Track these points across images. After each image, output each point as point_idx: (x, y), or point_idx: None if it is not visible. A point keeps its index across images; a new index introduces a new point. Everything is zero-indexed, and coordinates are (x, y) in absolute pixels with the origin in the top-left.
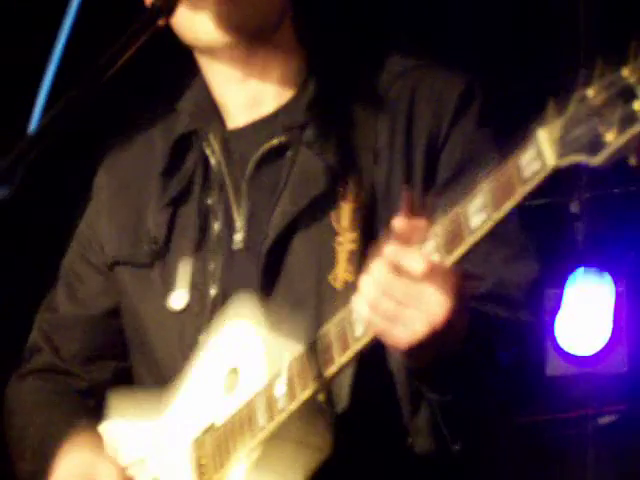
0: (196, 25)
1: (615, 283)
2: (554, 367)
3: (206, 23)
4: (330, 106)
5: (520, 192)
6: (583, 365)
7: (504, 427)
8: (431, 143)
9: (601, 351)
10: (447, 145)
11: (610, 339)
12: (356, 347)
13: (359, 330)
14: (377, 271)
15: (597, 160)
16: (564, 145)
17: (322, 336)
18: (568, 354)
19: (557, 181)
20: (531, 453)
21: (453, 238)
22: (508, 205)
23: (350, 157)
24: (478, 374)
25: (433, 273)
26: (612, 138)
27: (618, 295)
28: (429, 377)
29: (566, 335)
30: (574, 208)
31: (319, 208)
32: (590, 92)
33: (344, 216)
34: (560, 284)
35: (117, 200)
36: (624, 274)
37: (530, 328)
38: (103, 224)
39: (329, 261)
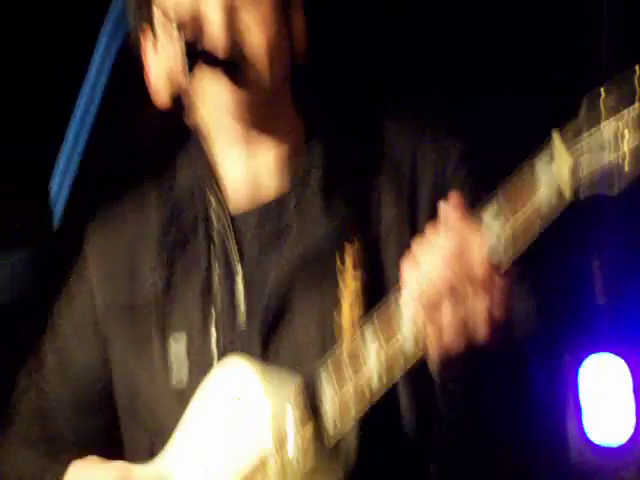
0: (211, 84)
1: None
2: (579, 456)
3: (221, 82)
4: (333, 158)
5: (536, 198)
6: (608, 456)
7: None
8: (434, 192)
9: (628, 442)
10: (450, 189)
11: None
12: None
13: (405, 313)
14: (440, 239)
15: (614, 191)
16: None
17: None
18: (593, 444)
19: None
20: None
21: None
22: (525, 210)
23: (354, 204)
24: (509, 384)
25: (490, 282)
26: (628, 168)
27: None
28: (460, 382)
29: (589, 424)
30: (600, 300)
31: (322, 250)
32: (602, 124)
33: (348, 258)
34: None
35: (109, 252)
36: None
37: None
38: (94, 275)
39: (334, 301)
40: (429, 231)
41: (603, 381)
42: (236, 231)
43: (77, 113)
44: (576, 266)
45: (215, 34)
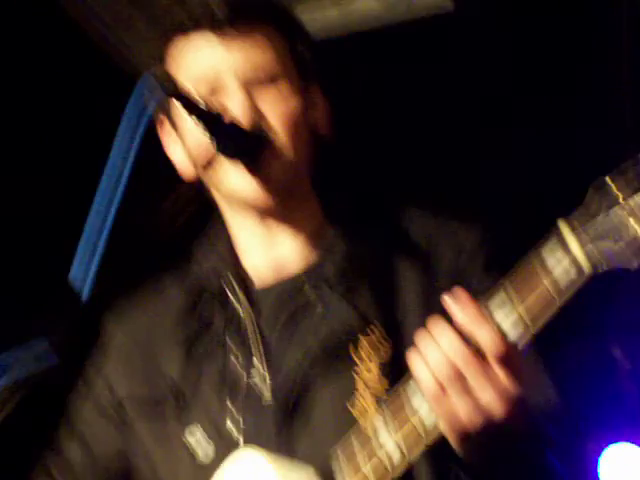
0: (231, 177)
1: None
2: None
3: (242, 175)
4: (352, 252)
5: (544, 283)
6: None
7: None
8: (450, 280)
9: None
10: (465, 281)
11: None
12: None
13: (417, 402)
14: (445, 337)
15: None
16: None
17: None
18: None
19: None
20: None
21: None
22: (533, 298)
23: (370, 294)
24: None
25: (507, 357)
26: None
27: None
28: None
29: None
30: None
31: (339, 343)
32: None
33: (363, 349)
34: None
35: (126, 343)
36: None
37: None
38: (111, 366)
39: (348, 391)
40: (434, 323)
41: (623, 470)
42: (256, 314)
43: (98, 199)
44: (594, 351)
45: (236, 106)
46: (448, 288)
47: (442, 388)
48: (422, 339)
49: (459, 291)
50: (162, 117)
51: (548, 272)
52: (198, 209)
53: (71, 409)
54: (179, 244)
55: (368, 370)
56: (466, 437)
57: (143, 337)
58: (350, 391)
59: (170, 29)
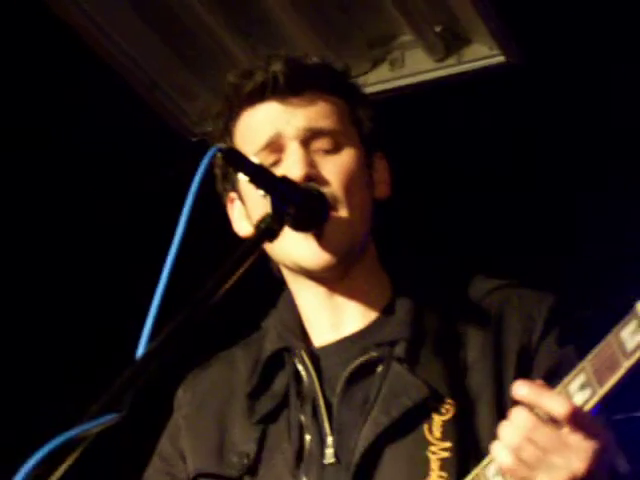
0: (296, 246)
1: None
2: None
3: (307, 244)
4: (419, 323)
5: (624, 366)
6: None
7: None
8: (522, 355)
9: None
10: (537, 357)
11: None
12: None
13: None
14: (518, 417)
15: None
16: None
17: None
18: None
19: None
20: None
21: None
22: (613, 379)
23: (441, 371)
24: None
25: (577, 417)
26: None
27: None
28: None
29: None
30: None
31: (410, 421)
32: None
33: (436, 428)
34: None
35: (198, 416)
36: None
37: None
38: (184, 439)
39: (422, 471)
40: (512, 413)
41: None
42: (318, 375)
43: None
44: None
45: (294, 163)
46: (517, 368)
47: (521, 463)
48: (503, 429)
49: (523, 383)
50: (231, 194)
51: (628, 354)
52: (270, 286)
53: (146, 476)
54: (252, 321)
55: (442, 451)
56: None
57: (215, 410)
58: (424, 471)
59: (238, 103)
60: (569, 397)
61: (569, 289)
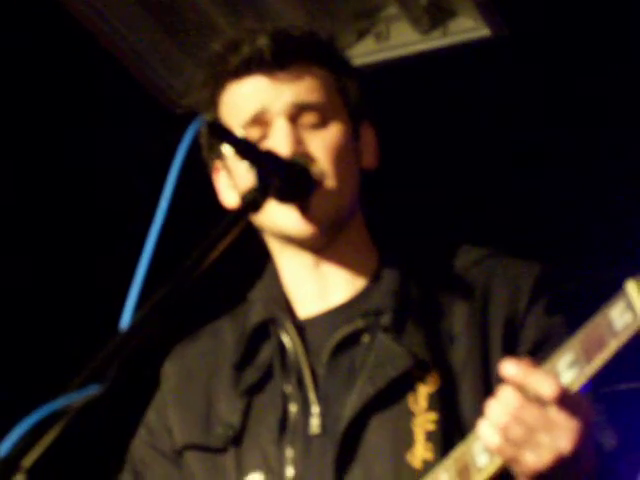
0: (281, 217)
1: None
2: None
3: (291, 215)
4: (405, 293)
5: (612, 346)
6: None
7: None
8: (508, 327)
9: None
10: (524, 326)
11: None
12: (478, 479)
13: (482, 460)
14: (506, 395)
15: None
16: None
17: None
18: None
19: None
20: None
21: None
22: (601, 358)
23: (427, 341)
24: None
25: (564, 398)
26: None
27: None
28: None
29: None
30: None
31: (395, 391)
32: None
33: (421, 398)
34: None
35: (185, 388)
36: None
37: None
38: (171, 411)
39: (407, 442)
40: (500, 391)
41: None
42: (304, 345)
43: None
44: None
45: (280, 138)
46: (501, 332)
47: (509, 442)
48: (490, 407)
49: (511, 362)
50: (217, 164)
51: (612, 337)
52: (256, 258)
53: (133, 453)
54: (238, 292)
55: (428, 422)
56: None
57: (201, 381)
58: (407, 444)
59: (224, 75)
60: (557, 375)
61: (555, 261)
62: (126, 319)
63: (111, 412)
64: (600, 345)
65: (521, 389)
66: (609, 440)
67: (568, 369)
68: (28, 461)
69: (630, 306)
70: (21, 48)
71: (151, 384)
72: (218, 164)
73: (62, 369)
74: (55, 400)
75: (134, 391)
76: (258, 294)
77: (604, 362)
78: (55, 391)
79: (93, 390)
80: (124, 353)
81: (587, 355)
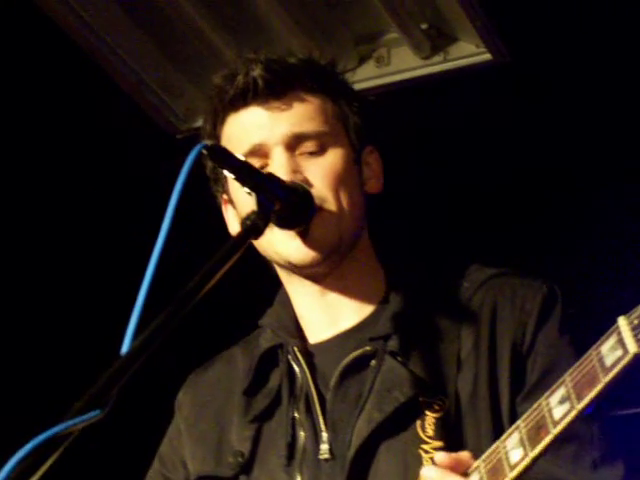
0: (282, 243)
1: None
2: None
3: (292, 241)
4: (412, 317)
5: (603, 381)
6: None
7: None
8: (516, 350)
9: None
10: (532, 351)
11: None
12: None
13: None
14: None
15: None
16: None
17: None
18: None
19: None
20: None
21: (537, 430)
22: (591, 395)
23: (434, 366)
24: None
25: None
26: None
27: None
28: None
29: None
30: None
31: (404, 416)
32: None
33: (429, 425)
34: None
35: (198, 418)
36: None
37: None
38: (185, 441)
39: (415, 467)
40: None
41: None
42: (311, 371)
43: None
44: None
45: (278, 166)
46: (509, 355)
47: None
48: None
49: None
50: (224, 197)
51: (606, 370)
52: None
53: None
54: (251, 321)
55: (435, 449)
56: None
57: (214, 409)
58: (418, 468)
59: (222, 107)
60: (549, 410)
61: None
62: (127, 344)
63: (123, 439)
64: (591, 381)
65: None
66: None
67: (559, 405)
68: None
69: (621, 342)
70: (22, 74)
71: (165, 412)
72: (225, 196)
73: (62, 394)
74: (55, 426)
75: (148, 418)
76: (268, 320)
77: (596, 397)
78: (55, 417)
79: (93, 415)
80: (124, 378)
81: (578, 391)
